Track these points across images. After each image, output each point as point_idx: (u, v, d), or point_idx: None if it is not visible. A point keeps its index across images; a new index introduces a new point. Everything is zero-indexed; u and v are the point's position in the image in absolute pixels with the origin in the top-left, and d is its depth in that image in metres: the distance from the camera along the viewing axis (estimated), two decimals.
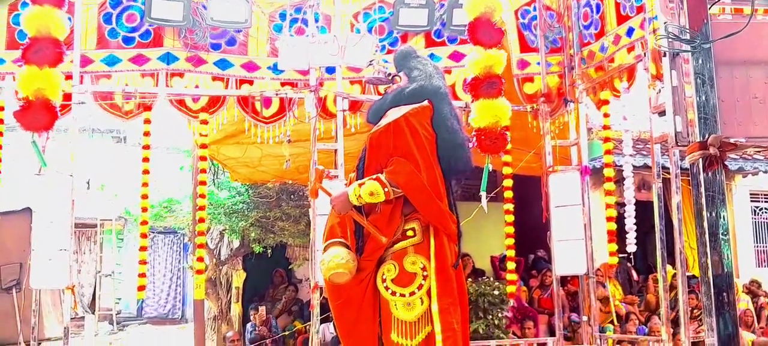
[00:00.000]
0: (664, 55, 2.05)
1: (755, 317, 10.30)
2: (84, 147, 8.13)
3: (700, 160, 1.94)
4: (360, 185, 3.81)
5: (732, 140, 1.92)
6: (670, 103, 2.28)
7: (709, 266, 1.96)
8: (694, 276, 9.35)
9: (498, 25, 3.26)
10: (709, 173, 1.96)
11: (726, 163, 1.96)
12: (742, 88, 1.96)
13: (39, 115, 2.10)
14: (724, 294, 2.15)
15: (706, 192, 1.96)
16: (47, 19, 2.11)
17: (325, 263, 3.85)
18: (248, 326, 10.84)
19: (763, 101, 1.96)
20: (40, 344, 6.77)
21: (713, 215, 2.06)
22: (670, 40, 1.94)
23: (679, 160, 5.41)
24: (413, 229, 3.89)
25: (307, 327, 8.87)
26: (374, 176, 3.81)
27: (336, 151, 6.40)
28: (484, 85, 3.09)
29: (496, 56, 3.12)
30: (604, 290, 9.50)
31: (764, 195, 12.33)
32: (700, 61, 1.87)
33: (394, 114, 3.98)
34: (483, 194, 3.91)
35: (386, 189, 3.76)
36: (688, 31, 1.89)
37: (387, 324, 3.90)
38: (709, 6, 1.93)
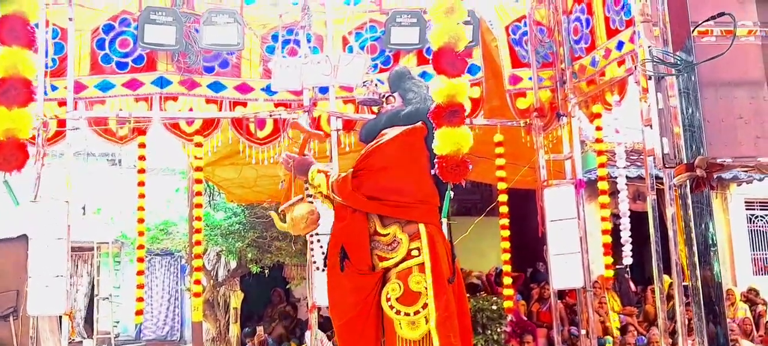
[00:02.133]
0: (649, 79, 2.09)
1: (754, 325, 10.32)
2: (79, 172, 8.13)
3: (688, 181, 1.97)
4: (320, 172, 4.18)
5: (718, 161, 1.95)
6: (656, 126, 2.31)
7: (700, 284, 1.99)
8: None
9: (462, 55, 3.33)
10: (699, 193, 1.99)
11: (712, 182, 1.99)
12: (726, 108, 1.99)
13: (10, 155, 2.13)
14: (716, 306, 2.18)
15: (694, 209, 1.99)
16: (16, 60, 2.14)
17: (290, 224, 4.26)
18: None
19: (748, 121, 1.99)
20: None
21: (702, 231, 2.09)
22: (654, 63, 1.98)
23: (672, 172, 5.44)
24: (418, 248, 3.94)
25: None
26: (331, 176, 4.13)
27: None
28: (446, 114, 3.13)
29: (459, 85, 3.17)
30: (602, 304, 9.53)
31: (759, 203, 12.37)
32: (684, 84, 1.90)
33: (389, 135, 4.03)
34: (444, 220, 4.02)
35: (328, 190, 4.10)
36: (671, 54, 1.92)
37: (391, 343, 3.93)
38: (692, 29, 1.96)
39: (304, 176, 4.25)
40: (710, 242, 2.09)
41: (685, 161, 2.00)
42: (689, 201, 2.04)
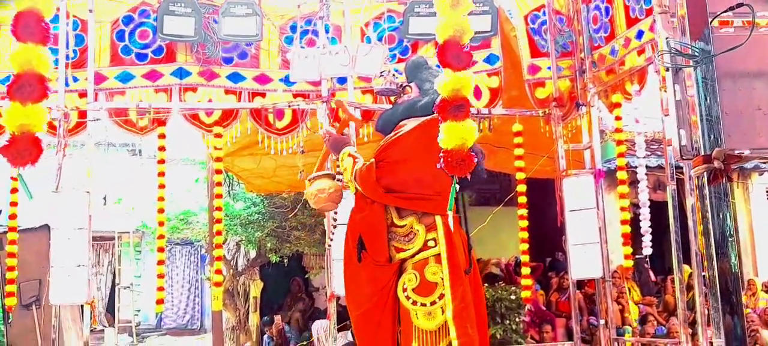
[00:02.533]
0: (667, 70, 2.08)
1: None
2: (100, 162, 8.21)
3: (705, 173, 1.96)
4: (351, 156, 4.20)
5: (736, 152, 1.94)
6: (674, 117, 2.30)
7: (717, 275, 1.98)
8: None
9: (467, 48, 3.32)
10: (716, 185, 1.98)
11: (730, 174, 1.98)
12: (745, 99, 1.98)
13: (24, 150, 2.16)
14: (734, 297, 2.17)
15: (712, 200, 1.98)
16: (30, 56, 2.16)
17: (310, 194, 4.35)
18: (265, 338, 10.92)
19: (762, 111, 1.98)
20: None
21: (719, 221, 2.09)
22: (672, 55, 1.97)
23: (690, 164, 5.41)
24: (434, 239, 3.96)
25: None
26: (358, 163, 4.13)
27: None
28: (451, 108, 3.13)
29: (464, 79, 3.16)
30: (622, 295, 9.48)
31: None
32: (702, 75, 1.89)
33: (406, 126, 4.04)
34: (449, 213, 4.04)
35: (350, 177, 4.12)
36: (689, 45, 1.91)
37: (408, 334, 3.95)
38: (710, 20, 1.95)
39: (337, 155, 4.29)
40: (728, 233, 2.08)
41: (703, 153, 1.99)
42: (706, 192, 2.03)
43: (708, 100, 1.93)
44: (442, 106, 3.20)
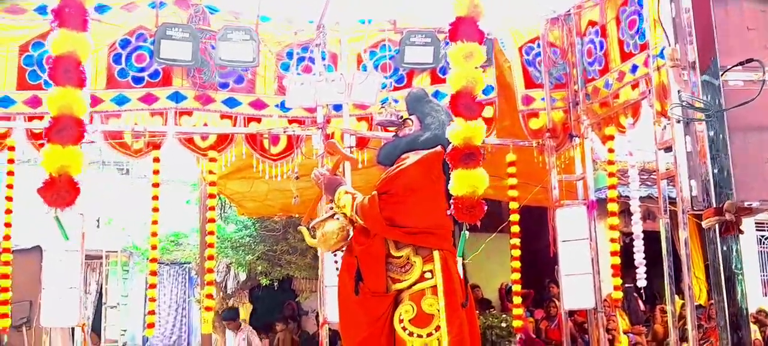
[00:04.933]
0: (678, 123, 2.10)
1: (763, 345, 10.27)
2: (92, 182, 8.18)
3: (717, 225, 1.98)
4: (347, 193, 4.14)
5: (746, 205, 1.96)
6: (685, 169, 2.32)
7: (726, 308, 2.00)
8: (700, 306, 9.34)
9: (478, 99, 3.34)
10: (728, 236, 2.00)
11: (740, 226, 2.00)
12: (755, 151, 1.99)
13: (62, 192, 2.16)
14: (740, 333, 2.19)
15: (723, 249, 2.00)
16: (69, 99, 2.17)
17: (320, 240, 4.24)
18: None
19: None
20: None
21: (728, 262, 2.10)
22: (684, 108, 1.99)
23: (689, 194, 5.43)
24: (431, 271, 3.95)
25: None
26: (358, 198, 4.07)
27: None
28: (463, 156, 3.15)
29: (476, 128, 3.19)
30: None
31: None
32: (714, 130, 1.91)
33: (410, 159, 4.04)
34: (459, 259, 4.04)
35: (352, 213, 4.06)
36: (701, 100, 1.93)
37: None
38: (721, 74, 1.97)
39: (331, 195, 4.25)
40: (735, 266, 2.10)
41: (715, 205, 2.00)
42: (717, 244, 2.04)
43: (718, 153, 1.94)
44: (454, 155, 3.21)
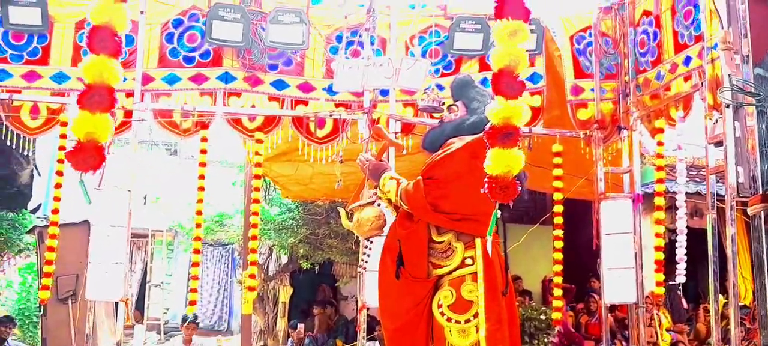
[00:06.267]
0: (727, 107, 2.06)
1: None
2: (142, 161, 8.31)
3: (763, 212, 1.94)
4: (393, 178, 4.18)
5: None
6: (732, 155, 2.27)
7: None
8: (745, 306, 9.16)
9: (520, 78, 3.31)
10: None
11: None
12: None
13: (88, 157, 2.21)
14: None
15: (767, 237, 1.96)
16: (103, 68, 2.22)
17: (356, 224, 4.31)
18: (289, 341, 10.96)
19: None
20: None
21: None
22: (733, 92, 1.95)
23: (735, 191, 5.33)
24: (472, 257, 3.95)
25: None
26: (403, 183, 4.11)
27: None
28: (501, 135, 3.12)
29: (516, 108, 3.14)
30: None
31: None
32: (764, 122, 1.88)
33: (455, 145, 4.04)
34: (489, 238, 4.04)
35: (396, 198, 4.08)
36: (752, 83, 1.89)
37: None
38: None
39: (376, 181, 4.26)
40: None
41: (762, 192, 1.97)
42: (762, 232, 2.01)
43: (766, 138, 1.90)
44: (492, 133, 3.18)
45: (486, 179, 3.32)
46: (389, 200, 4.21)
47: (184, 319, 8.71)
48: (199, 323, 9.56)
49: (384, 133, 4.74)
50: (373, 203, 4.32)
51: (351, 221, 4.37)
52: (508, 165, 3.17)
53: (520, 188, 3.40)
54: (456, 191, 3.94)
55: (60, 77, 6.40)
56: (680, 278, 6.72)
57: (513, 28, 3.10)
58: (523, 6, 3.08)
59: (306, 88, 6.76)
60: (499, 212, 4.04)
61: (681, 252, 6.68)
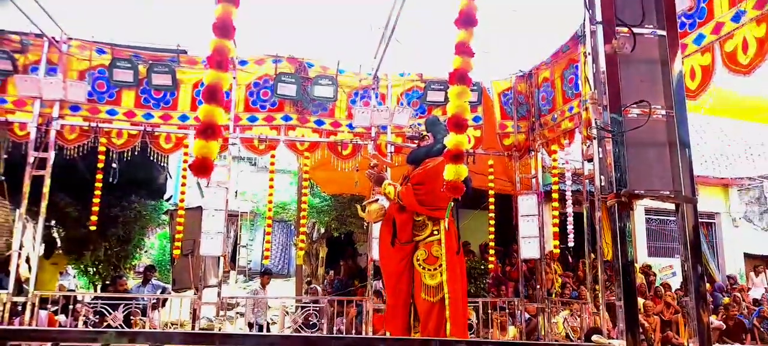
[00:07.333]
0: (594, 139, 2.08)
1: (646, 287, 10.01)
2: (234, 169, 8.31)
3: (616, 204, 1.95)
4: (390, 184, 4.18)
5: (636, 192, 1.93)
6: (597, 168, 2.29)
7: (620, 266, 1.97)
8: (607, 261, 9.14)
9: (466, 120, 3.27)
10: (623, 212, 1.97)
11: (632, 206, 1.97)
12: (643, 159, 1.96)
13: (204, 167, 2.22)
14: (629, 277, 2.15)
15: (620, 223, 1.97)
16: (213, 113, 2.23)
17: (367, 214, 4.32)
18: (325, 281, 10.90)
19: (654, 167, 1.97)
20: (204, 288, 6.90)
21: (623, 230, 2.07)
22: (598, 129, 1.97)
23: (600, 190, 5.33)
24: (438, 229, 3.99)
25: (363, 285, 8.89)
26: (398, 187, 4.12)
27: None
28: (454, 156, 3.11)
29: (463, 139, 3.13)
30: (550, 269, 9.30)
31: (654, 211, 12.01)
32: (617, 142, 1.89)
33: (430, 164, 4.08)
34: (447, 218, 4.05)
35: (394, 197, 4.10)
36: (608, 124, 1.91)
37: (418, 288, 3.98)
38: (622, 108, 1.95)
39: (378, 186, 4.28)
40: (628, 236, 2.08)
41: (615, 192, 1.98)
42: (616, 217, 2.02)
43: (619, 158, 1.92)
44: (448, 154, 3.19)
45: (445, 183, 3.32)
46: (387, 197, 4.22)
47: (263, 269, 8.63)
48: (272, 271, 9.47)
49: (380, 157, 4.74)
50: (377, 200, 4.34)
51: (363, 212, 4.38)
52: (458, 174, 3.17)
53: (466, 188, 3.41)
54: (431, 192, 3.97)
55: (183, 118, 6.40)
56: (570, 243, 6.71)
57: (460, 90, 3.09)
58: (467, 77, 3.07)
59: (336, 124, 6.74)
60: (453, 202, 4.05)
61: (569, 227, 6.67)
